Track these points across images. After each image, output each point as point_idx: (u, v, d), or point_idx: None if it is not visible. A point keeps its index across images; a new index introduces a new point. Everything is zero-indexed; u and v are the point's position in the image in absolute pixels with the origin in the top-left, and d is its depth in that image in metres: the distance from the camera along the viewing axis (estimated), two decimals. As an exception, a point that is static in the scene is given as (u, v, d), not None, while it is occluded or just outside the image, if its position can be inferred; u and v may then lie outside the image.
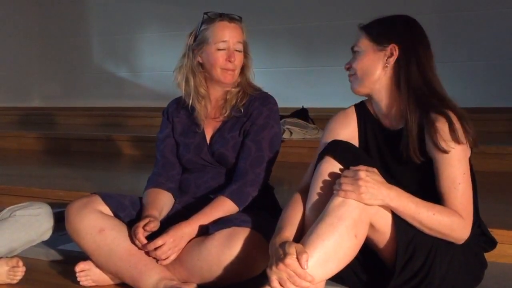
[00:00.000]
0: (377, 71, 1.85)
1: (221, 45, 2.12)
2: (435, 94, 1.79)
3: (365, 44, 1.87)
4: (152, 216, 2.01)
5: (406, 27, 1.87)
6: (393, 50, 1.82)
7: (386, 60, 1.83)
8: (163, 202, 2.13)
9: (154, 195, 2.14)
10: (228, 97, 2.17)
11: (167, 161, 2.23)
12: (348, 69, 1.91)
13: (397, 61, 1.82)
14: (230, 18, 2.15)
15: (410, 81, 1.80)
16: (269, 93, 2.22)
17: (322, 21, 5.99)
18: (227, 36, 2.12)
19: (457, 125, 1.72)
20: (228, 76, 2.13)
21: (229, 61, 2.11)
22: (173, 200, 2.19)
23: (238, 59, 2.14)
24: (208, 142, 2.18)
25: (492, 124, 4.47)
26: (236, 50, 2.13)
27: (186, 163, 2.21)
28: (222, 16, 2.14)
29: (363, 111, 1.97)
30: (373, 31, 1.86)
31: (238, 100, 2.16)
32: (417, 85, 1.79)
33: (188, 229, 1.97)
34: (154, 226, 1.96)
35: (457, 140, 1.70)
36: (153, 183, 2.19)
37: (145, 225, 1.96)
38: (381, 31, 1.86)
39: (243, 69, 2.19)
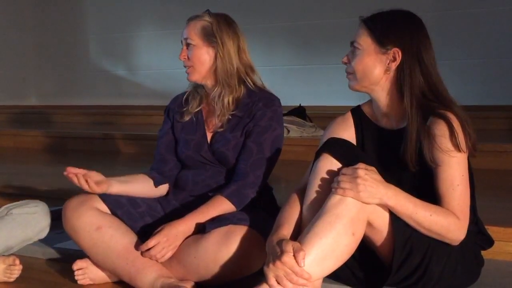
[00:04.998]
0: (378, 74, 1.80)
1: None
2: (439, 98, 1.76)
3: (366, 42, 1.80)
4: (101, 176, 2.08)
5: (410, 27, 1.80)
6: (396, 55, 1.77)
7: (388, 64, 1.78)
8: (134, 177, 2.18)
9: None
10: (213, 104, 2.15)
11: (161, 157, 2.24)
12: (346, 63, 1.85)
13: (399, 66, 1.78)
14: (188, 19, 2.17)
15: (413, 86, 1.76)
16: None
17: (319, 19, 5.98)
18: (181, 37, 2.16)
19: (458, 130, 1.70)
20: (188, 74, 2.15)
21: (180, 58, 2.14)
22: (151, 184, 2.18)
23: (190, 54, 2.12)
24: (209, 140, 2.17)
25: (489, 122, 4.48)
26: (187, 47, 2.13)
27: (185, 159, 2.20)
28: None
29: (360, 115, 1.95)
30: (376, 29, 1.79)
31: (227, 106, 2.10)
32: (421, 89, 1.76)
33: (183, 227, 1.96)
34: (95, 175, 2.06)
35: (457, 147, 1.69)
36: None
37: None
38: (385, 30, 1.78)
39: (216, 67, 2.11)
